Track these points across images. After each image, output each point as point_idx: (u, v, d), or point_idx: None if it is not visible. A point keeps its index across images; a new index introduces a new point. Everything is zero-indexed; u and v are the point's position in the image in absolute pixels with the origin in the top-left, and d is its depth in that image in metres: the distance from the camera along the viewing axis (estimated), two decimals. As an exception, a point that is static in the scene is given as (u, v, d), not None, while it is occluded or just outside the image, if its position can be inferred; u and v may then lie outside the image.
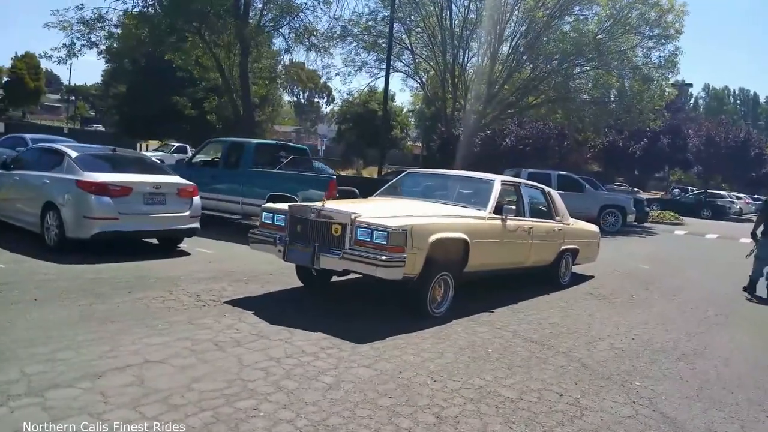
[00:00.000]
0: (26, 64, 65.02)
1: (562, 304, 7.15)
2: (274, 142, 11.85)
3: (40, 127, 49.58)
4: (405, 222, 5.37)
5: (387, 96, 19.62)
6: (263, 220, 6.24)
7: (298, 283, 6.84)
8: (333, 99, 64.49)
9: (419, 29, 23.59)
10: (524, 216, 7.28)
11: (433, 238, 5.54)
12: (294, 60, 25.85)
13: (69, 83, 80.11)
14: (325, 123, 69.86)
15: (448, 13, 22.59)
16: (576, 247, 8.43)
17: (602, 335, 5.89)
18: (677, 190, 41.09)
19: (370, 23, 22.66)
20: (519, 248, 7.06)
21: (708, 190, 36.90)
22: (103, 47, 18.43)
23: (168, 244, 8.76)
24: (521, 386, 4.27)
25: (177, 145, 31.73)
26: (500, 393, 4.12)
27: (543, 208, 8.02)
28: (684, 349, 5.65)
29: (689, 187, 44.48)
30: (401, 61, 25.30)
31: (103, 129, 55.89)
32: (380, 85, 18.82)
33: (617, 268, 10.51)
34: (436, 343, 5.08)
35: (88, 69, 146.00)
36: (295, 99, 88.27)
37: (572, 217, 8.38)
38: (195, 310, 5.52)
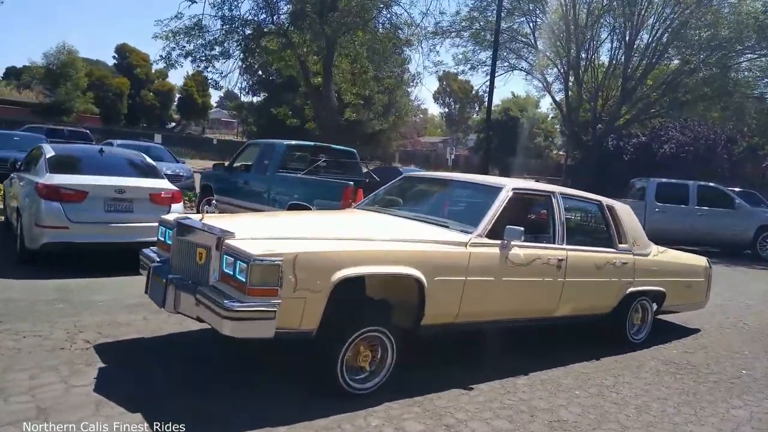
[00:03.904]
0: (195, 81, 71.15)
1: (604, 382, 4.60)
2: (312, 144, 10.29)
3: (196, 139, 53.93)
4: (284, 248, 3.43)
5: (492, 96, 17.22)
6: (158, 236, 4.63)
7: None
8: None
9: (539, 20, 20.79)
10: (555, 241, 4.87)
11: (341, 274, 3.52)
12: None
13: (240, 99, 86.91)
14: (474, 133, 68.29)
15: (572, -1, 19.59)
16: (660, 288, 5.74)
17: (632, 455, 3.41)
18: None
19: (478, 14, 20.36)
20: (538, 290, 4.69)
21: None
22: (200, 55, 18.20)
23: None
24: None
25: None
26: None
27: (598, 231, 5.51)
28: None
29: None
30: (523, 58, 22.61)
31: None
32: (502, 86, 16.60)
33: (746, 318, 7.38)
34: (298, 452, 3.07)
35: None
36: (446, 109, 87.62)
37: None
38: (36, 355, 4.08)
